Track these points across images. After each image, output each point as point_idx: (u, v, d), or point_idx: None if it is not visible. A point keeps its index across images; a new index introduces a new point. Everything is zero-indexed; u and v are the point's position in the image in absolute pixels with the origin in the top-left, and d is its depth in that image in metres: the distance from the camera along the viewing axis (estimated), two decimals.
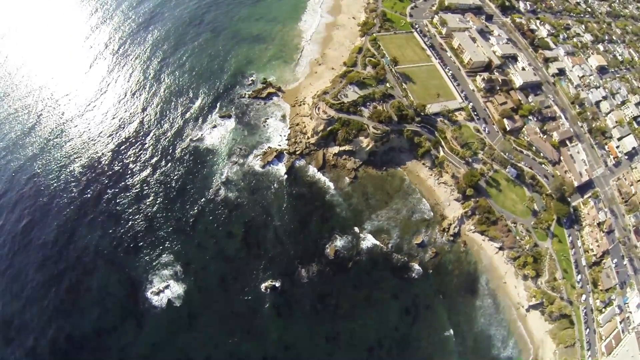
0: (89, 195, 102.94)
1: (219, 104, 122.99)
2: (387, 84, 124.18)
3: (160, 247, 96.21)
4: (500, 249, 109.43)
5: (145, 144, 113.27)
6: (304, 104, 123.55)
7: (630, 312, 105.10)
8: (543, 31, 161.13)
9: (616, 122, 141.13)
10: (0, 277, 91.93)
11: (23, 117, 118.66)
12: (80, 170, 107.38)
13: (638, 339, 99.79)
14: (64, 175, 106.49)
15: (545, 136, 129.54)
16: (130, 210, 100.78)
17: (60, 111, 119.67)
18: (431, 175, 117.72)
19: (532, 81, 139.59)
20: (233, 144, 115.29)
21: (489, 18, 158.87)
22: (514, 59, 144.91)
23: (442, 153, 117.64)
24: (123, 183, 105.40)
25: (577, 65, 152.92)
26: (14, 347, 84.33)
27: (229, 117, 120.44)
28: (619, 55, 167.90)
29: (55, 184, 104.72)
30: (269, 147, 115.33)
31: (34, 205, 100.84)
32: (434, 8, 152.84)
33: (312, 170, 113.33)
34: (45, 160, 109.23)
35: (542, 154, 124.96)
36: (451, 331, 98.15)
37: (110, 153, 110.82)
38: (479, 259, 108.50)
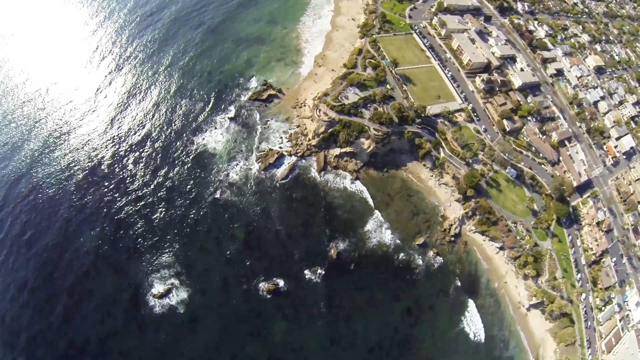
0: (90, 200, 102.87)
1: (219, 106, 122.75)
2: (388, 86, 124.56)
3: (162, 251, 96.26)
4: (501, 249, 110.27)
5: (145, 147, 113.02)
6: (304, 105, 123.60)
7: (630, 310, 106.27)
8: (541, 32, 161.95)
9: (614, 122, 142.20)
10: (5, 286, 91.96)
11: (24, 124, 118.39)
12: (81, 174, 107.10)
13: (638, 337, 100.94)
14: (64, 180, 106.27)
15: (544, 137, 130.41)
16: (132, 214, 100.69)
17: (61, 116, 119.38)
18: (432, 176, 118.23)
19: (530, 82, 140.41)
20: (234, 146, 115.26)
21: (488, 19, 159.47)
22: (512, 59, 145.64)
23: (442, 154, 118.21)
24: (124, 186, 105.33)
25: (574, 66, 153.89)
26: (17, 354, 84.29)
27: (230, 119, 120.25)
28: (616, 55, 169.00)
29: (56, 189, 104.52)
30: (269, 149, 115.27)
31: (35, 213, 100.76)
32: (433, 9, 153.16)
33: (314, 172, 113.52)
34: (47, 165, 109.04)
35: (541, 155, 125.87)
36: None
37: (110, 157, 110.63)
38: (479, 259, 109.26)
